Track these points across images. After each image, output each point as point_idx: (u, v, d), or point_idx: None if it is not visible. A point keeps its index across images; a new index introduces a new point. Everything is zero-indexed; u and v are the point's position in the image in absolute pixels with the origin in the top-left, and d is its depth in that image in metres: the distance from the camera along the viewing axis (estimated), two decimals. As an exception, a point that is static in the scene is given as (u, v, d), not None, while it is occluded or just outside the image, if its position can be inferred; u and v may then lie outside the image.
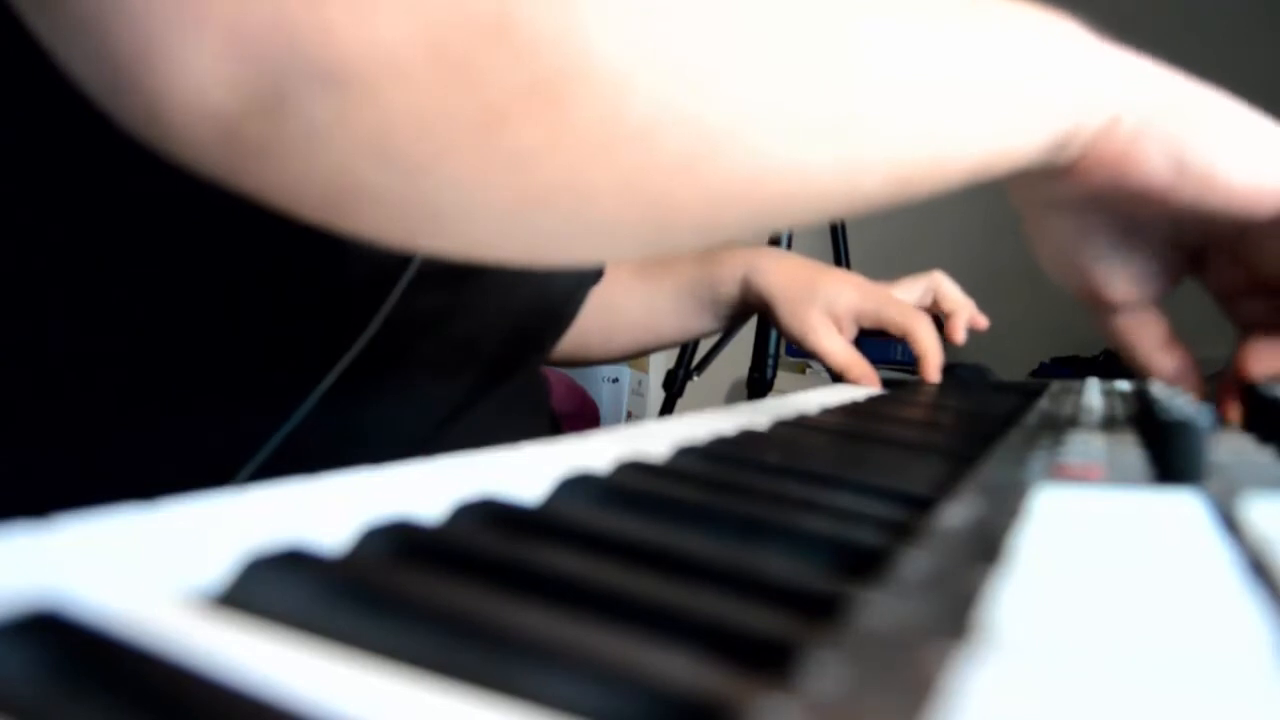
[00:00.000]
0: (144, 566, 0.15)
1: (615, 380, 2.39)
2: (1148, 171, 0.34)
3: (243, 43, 0.21)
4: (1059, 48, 0.33)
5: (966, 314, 0.82)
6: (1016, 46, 0.31)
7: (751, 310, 0.77)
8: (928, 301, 0.83)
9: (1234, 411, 0.40)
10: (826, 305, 0.73)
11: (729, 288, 0.75)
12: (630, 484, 0.23)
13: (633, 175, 0.24)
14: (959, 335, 0.81)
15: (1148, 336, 0.41)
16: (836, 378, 0.75)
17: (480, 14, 0.21)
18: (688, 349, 1.65)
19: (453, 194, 0.23)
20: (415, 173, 0.23)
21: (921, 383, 0.76)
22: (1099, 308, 0.41)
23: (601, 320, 0.74)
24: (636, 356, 0.83)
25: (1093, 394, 0.60)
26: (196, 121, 0.22)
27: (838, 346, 0.73)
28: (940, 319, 0.82)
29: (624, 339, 0.78)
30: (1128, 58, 0.35)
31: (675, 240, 0.29)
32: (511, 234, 0.26)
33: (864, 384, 0.72)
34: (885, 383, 0.75)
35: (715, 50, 0.23)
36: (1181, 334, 0.42)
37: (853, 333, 0.76)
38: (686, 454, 0.29)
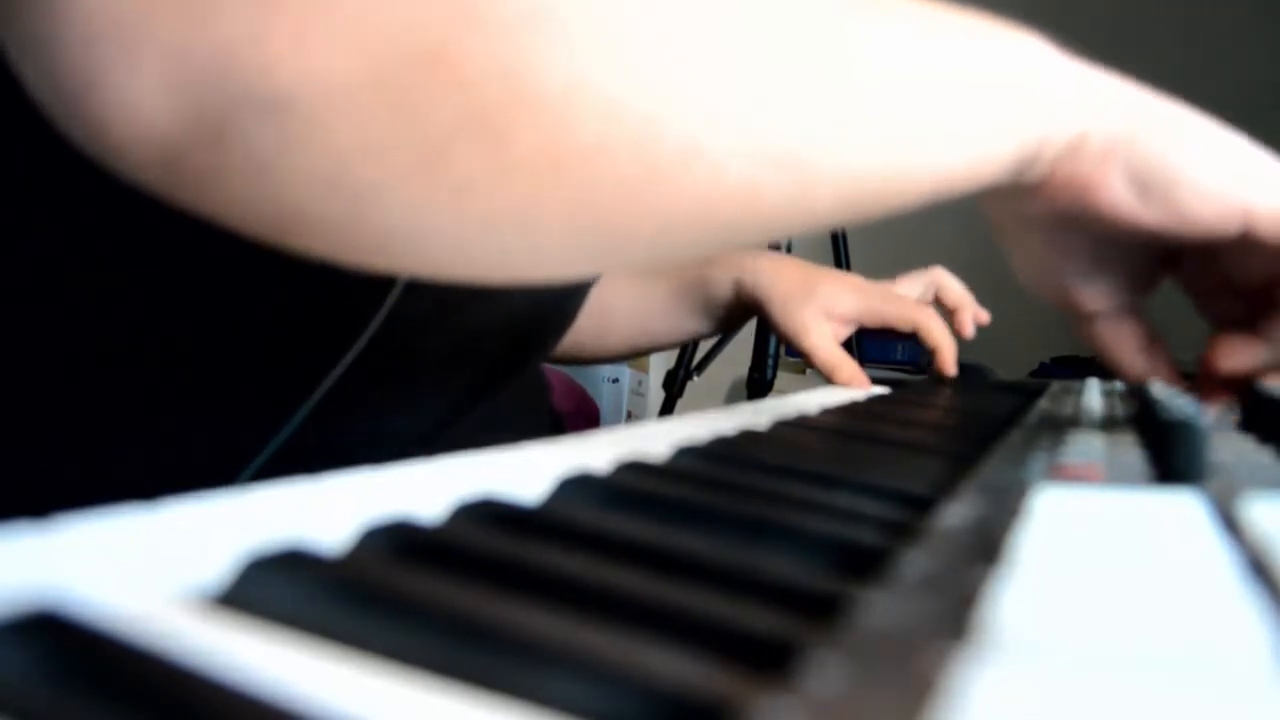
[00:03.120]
0: (144, 566, 0.15)
1: (615, 380, 2.39)
2: (1112, 197, 0.34)
3: (184, 71, 0.21)
4: (1022, 63, 0.32)
5: (971, 308, 0.82)
6: (978, 62, 0.31)
7: (746, 312, 0.76)
8: (929, 298, 0.82)
9: (1216, 405, 0.40)
10: (824, 306, 0.73)
11: (722, 289, 0.75)
12: (630, 484, 0.23)
13: (579, 201, 0.24)
14: (968, 329, 0.81)
15: (1126, 341, 0.41)
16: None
17: (421, 45, 0.21)
18: (688, 349, 1.65)
19: (400, 221, 0.24)
20: (360, 201, 0.23)
21: (921, 383, 0.76)
22: (1078, 316, 0.41)
23: (595, 320, 0.74)
24: (630, 357, 0.83)
25: (1093, 394, 0.60)
26: (139, 146, 0.22)
27: (828, 346, 0.73)
28: (943, 315, 0.81)
29: (616, 339, 0.78)
30: (1093, 73, 0.34)
31: (627, 261, 0.29)
32: (462, 257, 0.26)
33: (853, 385, 0.72)
34: (886, 383, 0.75)
35: (660, 77, 0.23)
36: (1164, 332, 0.42)
37: (844, 336, 0.75)
38: (686, 454, 0.29)
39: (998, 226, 0.41)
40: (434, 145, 0.22)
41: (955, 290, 0.82)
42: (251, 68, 0.21)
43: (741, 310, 0.76)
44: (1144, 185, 0.34)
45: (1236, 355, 0.38)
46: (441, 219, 0.24)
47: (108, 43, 0.21)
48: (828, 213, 0.29)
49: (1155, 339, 0.41)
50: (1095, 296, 0.40)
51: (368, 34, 0.21)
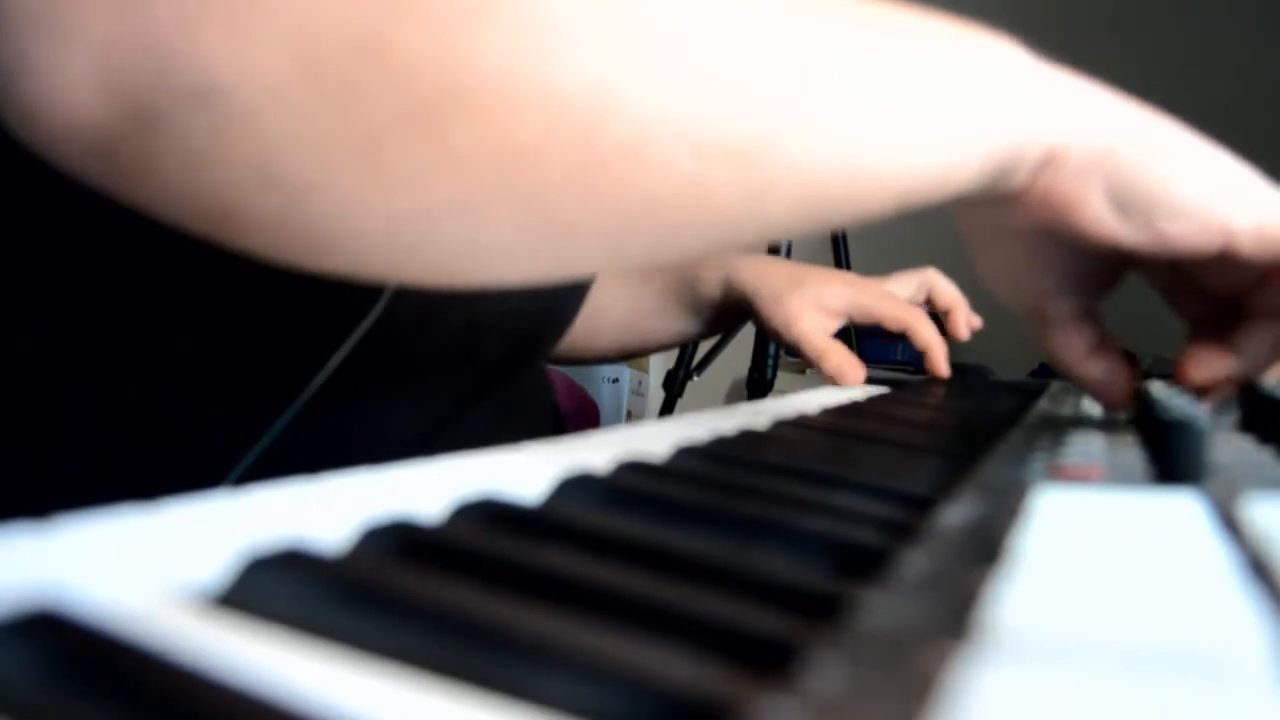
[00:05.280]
0: (144, 566, 0.15)
1: (615, 380, 2.38)
2: (1093, 215, 0.34)
3: (113, 59, 0.21)
4: (995, 68, 0.32)
5: (965, 310, 0.82)
6: (949, 70, 0.30)
7: (736, 313, 0.76)
8: (921, 298, 0.81)
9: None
10: (814, 298, 0.72)
11: (710, 288, 0.75)
12: (630, 484, 0.23)
13: (523, 197, 0.23)
14: (962, 331, 0.80)
15: (1079, 343, 0.40)
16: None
17: (355, 35, 0.21)
18: (688, 349, 1.65)
19: (337, 217, 0.23)
20: (296, 195, 0.22)
21: (921, 383, 0.75)
22: (1039, 323, 0.41)
23: (586, 319, 0.73)
24: (621, 358, 0.83)
25: (1093, 394, 0.60)
26: (71, 135, 0.22)
27: (817, 333, 0.71)
28: (937, 317, 0.81)
29: (607, 339, 0.77)
30: (1072, 81, 0.34)
31: (577, 262, 0.28)
32: (404, 257, 0.25)
33: (844, 371, 0.70)
34: (886, 383, 0.75)
35: (607, 68, 0.23)
36: (1141, 328, 0.41)
37: (833, 329, 0.74)
38: (686, 454, 0.29)
39: (969, 237, 0.41)
40: (368, 139, 0.22)
41: (948, 292, 0.81)
42: (181, 57, 0.20)
43: (731, 311, 0.75)
44: (1124, 204, 0.33)
45: (1208, 366, 0.38)
46: (379, 216, 0.23)
47: (38, 30, 0.21)
48: (786, 215, 0.28)
49: (1105, 340, 0.40)
50: (1064, 305, 0.40)
51: (300, 23, 0.20)
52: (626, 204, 0.25)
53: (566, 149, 0.23)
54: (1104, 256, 0.38)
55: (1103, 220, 0.34)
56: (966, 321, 0.81)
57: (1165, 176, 0.34)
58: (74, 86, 0.21)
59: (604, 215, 0.25)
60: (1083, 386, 0.41)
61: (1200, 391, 0.40)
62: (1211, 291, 0.39)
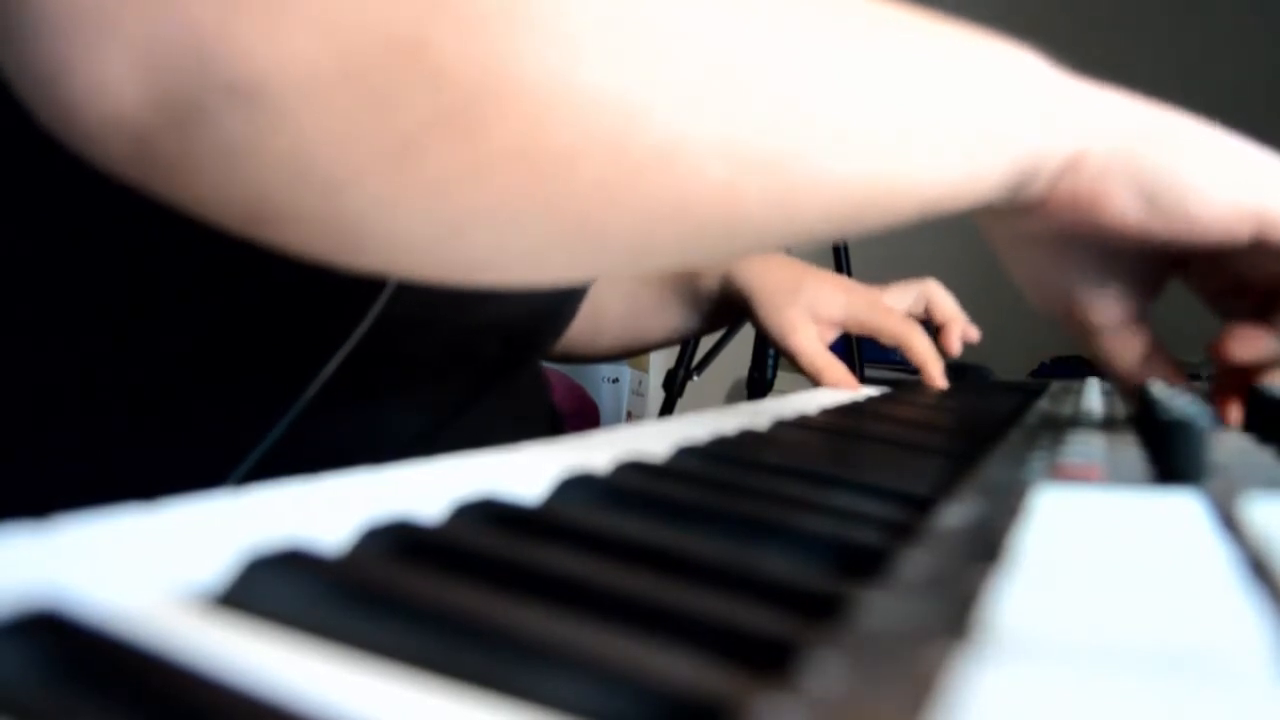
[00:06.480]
0: (144, 566, 0.15)
1: (615, 380, 2.38)
2: (1118, 210, 0.34)
3: (153, 56, 0.21)
4: (1015, 78, 0.32)
5: (960, 325, 0.81)
6: (970, 80, 0.30)
7: (735, 310, 0.76)
8: (919, 309, 0.81)
9: (1233, 413, 0.40)
10: (810, 307, 0.72)
11: (710, 284, 0.74)
12: (630, 484, 0.23)
13: (555, 201, 0.24)
14: (955, 347, 0.79)
15: (1131, 352, 0.40)
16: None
17: (394, 36, 0.21)
18: (688, 349, 1.65)
19: (372, 216, 0.23)
20: (332, 194, 0.23)
21: (921, 383, 0.75)
22: (1084, 330, 0.41)
23: (588, 319, 0.73)
24: (620, 356, 0.82)
25: (1093, 394, 0.60)
26: (111, 132, 0.22)
27: (814, 348, 0.71)
28: (932, 329, 0.80)
29: (609, 338, 0.77)
30: (1089, 90, 0.34)
31: (607, 263, 0.28)
32: (436, 256, 0.25)
33: (842, 388, 0.70)
34: (886, 383, 0.74)
35: (641, 77, 0.23)
36: (1169, 332, 0.41)
37: (830, 338, 0.74)
38: (686, 454, 0.29)
39: (997, 247, 0.41)
40: (405, 139, 0.22)
41: (946, 305, 0.81)
42: (220, 53, 0.21)
43: (730, 308, 0.75)
44: (1152, 197, 0.34)
45: (1250, 344, 0.38)
46: (413, 216, 0.23)
47: (78, 27, 0.21)
48: (814, 222, 0.28)
49: (1157, 348, 0.41)
50: (1102, 311, 0.40)
51: (339, 22, 0.21)
52: (657, 209, 0.25)
53: (598, 154, 0.23)
54: (1140, 258, 0.38)
55: (1130, 214, 0.34)
56: (961, 336, 0.80)
57: (1191, 166, 0.34)
58: (113, 83, 0.21)
59: (634, 220, 0.25)
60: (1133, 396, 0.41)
61: (1221, 399, 0.40)
62: (1249, 285, 0.39)
